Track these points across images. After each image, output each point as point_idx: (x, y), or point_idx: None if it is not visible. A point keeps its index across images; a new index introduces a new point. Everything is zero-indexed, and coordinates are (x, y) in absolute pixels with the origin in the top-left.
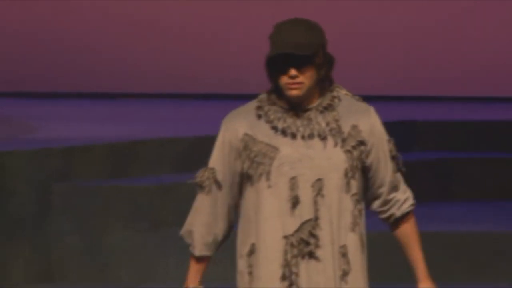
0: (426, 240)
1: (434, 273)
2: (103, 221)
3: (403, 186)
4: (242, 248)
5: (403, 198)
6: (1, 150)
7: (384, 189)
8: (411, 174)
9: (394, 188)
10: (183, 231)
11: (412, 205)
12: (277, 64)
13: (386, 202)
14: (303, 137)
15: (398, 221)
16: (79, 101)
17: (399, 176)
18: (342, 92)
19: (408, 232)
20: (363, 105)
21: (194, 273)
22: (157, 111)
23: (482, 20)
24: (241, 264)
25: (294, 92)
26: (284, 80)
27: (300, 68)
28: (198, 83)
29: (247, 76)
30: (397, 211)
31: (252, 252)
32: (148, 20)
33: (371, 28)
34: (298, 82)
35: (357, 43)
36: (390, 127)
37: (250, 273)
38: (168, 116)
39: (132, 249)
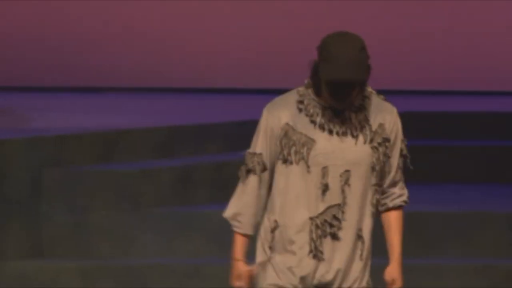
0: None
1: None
2: (90, 202)
3: (401, 184)
4: (267, 224)
5: (399, 193)
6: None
7: (385, 183)
8: None
9: (394, 184)
10: (228, 214)
11: (404, 201)
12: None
13: (382, 193)
14: (337, 133)
15: (388, 211)
16: (69, 95)
17: (401, 174)
18: (368, 90)
19: (393, 223)
20: (389, 106)
21: (240, 247)
22: (139, 103)
23: (429, 14)
24: (264, 238)
25: (338, 106)
26: (330, 95)
27: (350, 88)
28: (174, 79)
29: (214, 71)
30: (389, 202)
31: (275, 228)
32: (130, 23)
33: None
34: (345, 102)
35: None
36: None
37: (271, 248)
38: (148, 108)
39: (115, 227)
